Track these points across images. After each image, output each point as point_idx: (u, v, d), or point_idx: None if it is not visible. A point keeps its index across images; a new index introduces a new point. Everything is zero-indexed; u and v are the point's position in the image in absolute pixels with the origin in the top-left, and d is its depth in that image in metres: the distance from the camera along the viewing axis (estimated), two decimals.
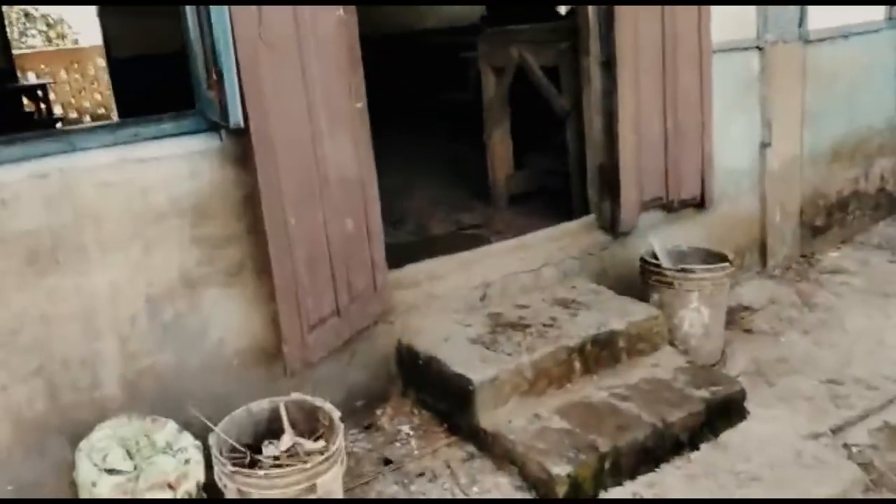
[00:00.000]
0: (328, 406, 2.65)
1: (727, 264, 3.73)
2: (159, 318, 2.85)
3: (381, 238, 3.22)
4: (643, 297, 3.87)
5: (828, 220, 5.26)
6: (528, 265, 3.85)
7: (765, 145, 4.73)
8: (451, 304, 3.61)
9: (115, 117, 10.35)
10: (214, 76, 2.48)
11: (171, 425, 2.71)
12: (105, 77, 10.62)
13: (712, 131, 4.33)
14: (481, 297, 3.69)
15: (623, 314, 3.56)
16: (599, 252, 4.09)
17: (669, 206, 4.26)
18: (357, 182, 3.06)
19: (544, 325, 3.50)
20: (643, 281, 3.86)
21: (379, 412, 3.42)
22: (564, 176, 4.78)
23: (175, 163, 2.78)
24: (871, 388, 3.64)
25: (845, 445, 3.27)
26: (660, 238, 3.97)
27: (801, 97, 4.83)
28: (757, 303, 4.48)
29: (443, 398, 3.27)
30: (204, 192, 2.84)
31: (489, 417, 3.10)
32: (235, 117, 2.47)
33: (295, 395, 2.72)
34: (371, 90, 3.15)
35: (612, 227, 4.13)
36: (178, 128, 2.75)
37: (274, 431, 2.73)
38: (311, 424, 2.70)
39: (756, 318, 4.32)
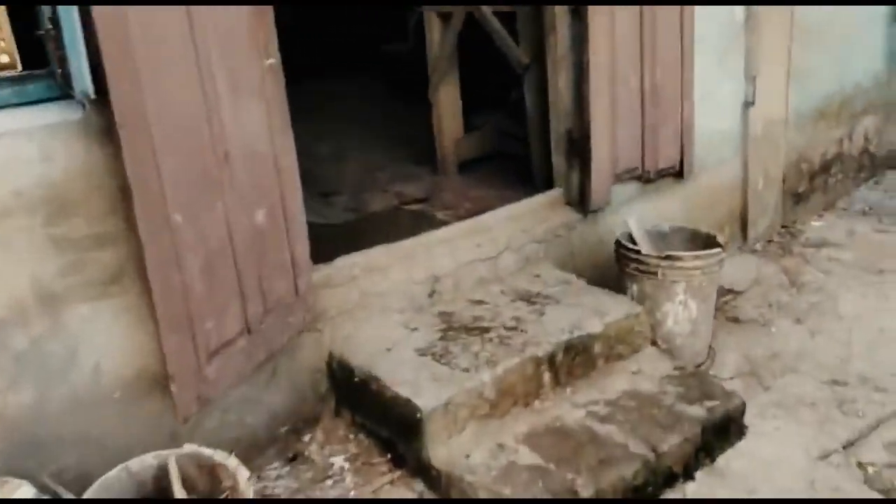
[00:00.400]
0: (232, 463, 2.02)
1: (719, 249, 3.18)
2: (8, 345, 2.16)
3: (302, 228, 2.56)
4: (618, 285, 3.31)
5: (810, 185, 4.76)
6: (486, 252, 3.24)
7: (748, 104, 4.17)
8: (394, 302, 2.98)
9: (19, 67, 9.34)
10: (49, 23, 1.77)
11: (26, 490, 2.06)
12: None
13: (693, 89, 3.75)
14: (430, 293, 3.08)
15: (598, 311, 2.99)
16: (567, 232, 3.50)
17: (646, 178, 3.68)
18: (270, 160, 2.39)
19: (506, 329, 2.90)
20: (619, 269, 3.29)
21: (307, 439, 2.80)
22: (522, 139, 4.17)
23: (18, 142, 2.06)
24: (879, 389, 3.16)
25: (860, 465, 2.78)
26: (636, 216, 3.40)
27: (787, 51, 4.26)
28: (741, 284, 3.97)
29: (384, 424, 2.67)
30: (62, 180, 2.14)
31: (442, 450, 2.51)
32: (82, 83, 1.78)
33: (188, 448, 2.08)
34: (291, 40, 2.49)
35: (582, 202, 3.53)
36: (21, 95, 2.03)
37: (164, 491, 2.10)
38: (212, 485, 2.07)
39: (742, 304, 3.81)
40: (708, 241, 3.32)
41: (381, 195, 4.18)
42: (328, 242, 3.46)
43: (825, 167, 4.83)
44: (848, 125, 4.89)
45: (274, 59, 2.38)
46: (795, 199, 4.66)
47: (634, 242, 3.30)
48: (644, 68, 3.51)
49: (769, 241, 4.44)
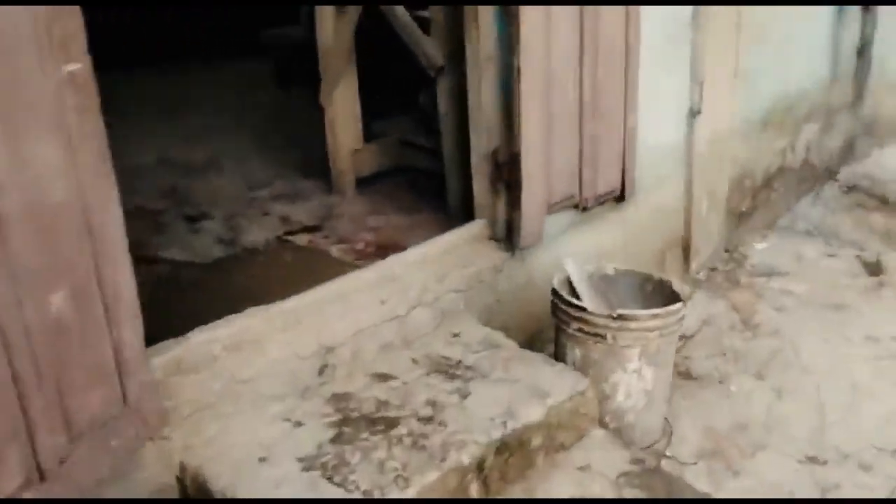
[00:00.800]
0: None
1: (680, 305, 2.57)
2: None
3: (131, 308, 1.79)
4: (553, 339, 2.70)
5: (753, 203, 4.26)
6: (392, 309, 2.53)
7: (694, 113, 3.60)
8: (272, 387, 2.25)
9: None
10: None
11: None
12: None
13: (638, 96, 3.14)
14: (320, 370, 2.35)
15: (536, 390, 2.34)
16: (492, 276, 2.83)
17: (584, 206, 3.05)
18: (75, 216, 1.62)
19: (420, 420, 2.22)
20: (557, 325, 2.65)
21: None
22: (432, 151, 3.49)
23: None
24: (863, 467, 2.65)
25: None
26: (575, 258, 2.77)
27: (735, 52, 3.72)
28: (689, 326, 3.39)
29: None
30: None
31: None
32: None
33: None
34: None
35: (510, 238, 2.88)
36: None
37: None
38: None
39: (693, 352, 3.24)
40: (662, 289, 2.72)
41: (261, 220, 3.42)
42: (187, 291, 2.71)
43: (768, 182, 4.34)
44: (791, 134, 4.42)
45: (80, 65, 1.60)
46: (738, 218, 4.15)
47: (574, 290, 2.68)
48: (584, 70, 2.87)
49: (713, 269, 3.91)
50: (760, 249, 4.17)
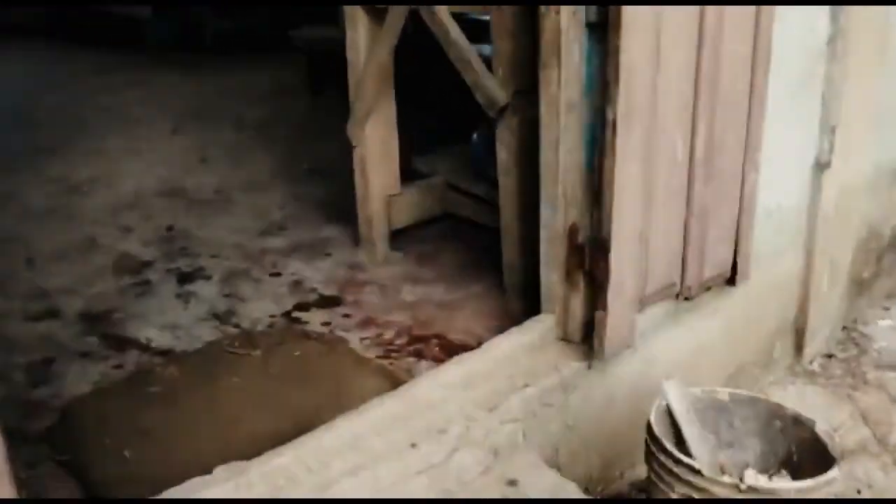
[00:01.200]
0: None
1: (835, 472, 1.82)
2: None
3: None
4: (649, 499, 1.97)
5: (876, 268, 3.46)
6: (426, 455, 1.82)
7: (822, 167, 2.82)
8: None
9: None
10: None
11: None
12: None
13: (761, 151, 2.39)
14: None
15: None
16: (563, 396, 2.10)
17: (685, 295, 2.31)
18: None
19: None
20: (651, 480, 1.92)
21: None
22: (487, 202, 2.78)
23: None
24: None
25: None
26: (677, 381, 2.03)
27: (876, 87, 2.93)
28: None
29: None
30: None
31: None
32: None
33: None
34: None
35: (587, 341, 2.15)
36: None
37: None
38: None
39: None
40: (796, 429, 1.97)
41: (268, 284, 2.74)
42: (154, 405, 2.03)
43: (893, 242, 3.54)
44: None
45: None
46: (857, 287, 3.36)
47: (675, 425, 1.95)
48: (697, 120, 2.13)
49: (829, 356, 3.13)
50: (885, 328, 3.37)
